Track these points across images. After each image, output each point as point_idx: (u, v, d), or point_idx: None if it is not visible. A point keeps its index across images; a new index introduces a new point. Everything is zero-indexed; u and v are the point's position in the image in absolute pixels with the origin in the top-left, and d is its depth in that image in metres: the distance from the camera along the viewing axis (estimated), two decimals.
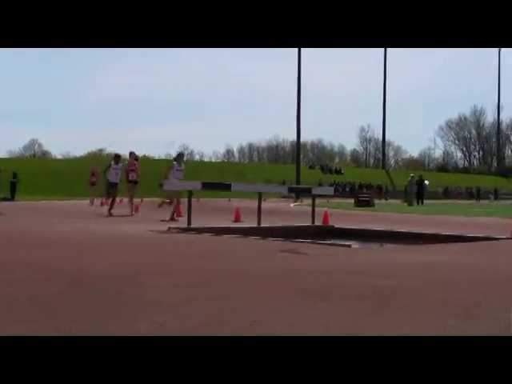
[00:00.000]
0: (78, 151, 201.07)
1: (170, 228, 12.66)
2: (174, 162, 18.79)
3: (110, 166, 21.57)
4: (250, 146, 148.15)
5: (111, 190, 21.13)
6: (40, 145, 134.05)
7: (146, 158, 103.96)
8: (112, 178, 21.22)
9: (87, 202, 30.61)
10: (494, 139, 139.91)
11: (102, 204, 29.41)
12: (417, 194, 42.91)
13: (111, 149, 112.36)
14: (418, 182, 43.60)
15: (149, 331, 3.67)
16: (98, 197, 32.07)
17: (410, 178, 44.07)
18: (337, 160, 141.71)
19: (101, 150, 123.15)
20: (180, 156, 19.39)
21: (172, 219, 16.88)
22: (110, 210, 20.09)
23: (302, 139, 78.64)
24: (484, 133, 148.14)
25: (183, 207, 17.15)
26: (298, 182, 68.40)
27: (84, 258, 7.86)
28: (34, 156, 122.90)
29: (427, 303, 4.86)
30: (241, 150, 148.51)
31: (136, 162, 22.19)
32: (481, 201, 69.57)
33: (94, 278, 6.03)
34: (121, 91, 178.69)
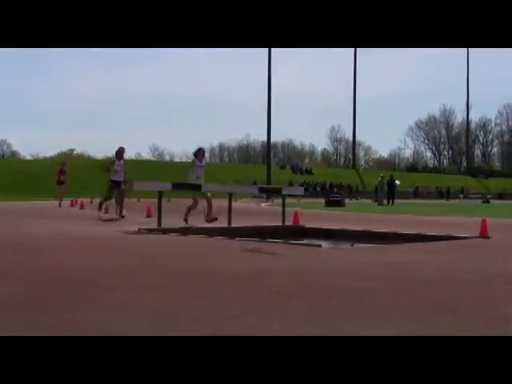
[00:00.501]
0: (48, 152, 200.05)
1: (139, 229, 12.59)
2: (194, 158, 16.91)
3: (113, 162, 19.59)
4: (221, 146, 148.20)
5: (115, 190, 19.24)
6: (9, 145, 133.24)
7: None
8: (115, 177, 19.24)
9: (56, 202, 30.21)
10: (463, 139, 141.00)
11: (71, 205, 29.23)
12: (387, 193, 43.12)
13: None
14: (388, 182, 43.81)
15: (113, 332, 3.64)
16: (65, 197, 31.82)
17: (380, 178, 44.30)
18: (307, 160, 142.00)
19: (71, 150, 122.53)
20: (200, 151, 17.04)
21: (213, 219, 15.51)
22: (104, 212, 18.87)
23: (272, 139, 78.70)
24: (453, 132, 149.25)
25: (154, 208, 16.88)
26: (268, 182, 68.46)
27: (48, 259, 7.79)
28: (3, 156, 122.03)
29: (397, 304, 4.87)
30: (211, 151, 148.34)
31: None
32: (450, 200, 69.98)
33: (56, 280, 5.97)
34: (92, 92, 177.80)
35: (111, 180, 19.25)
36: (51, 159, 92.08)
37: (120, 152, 19.83)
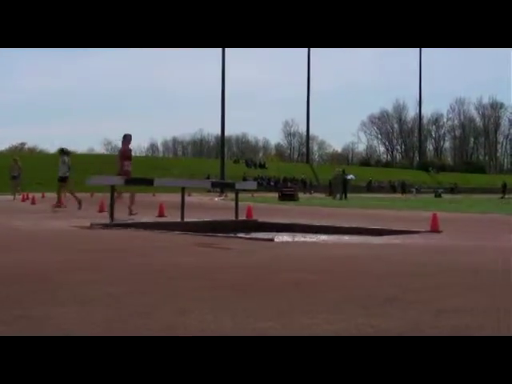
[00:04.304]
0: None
1: (92, 224, 12.49)
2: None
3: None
4: (175, 141, 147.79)
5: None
6: None
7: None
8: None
9: (11, 197, 30.15)
10: (415, 133, 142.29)
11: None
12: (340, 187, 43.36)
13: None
14: (341, 176, 44.06)
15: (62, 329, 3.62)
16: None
17: (335, 173, 44.46)
18: (261, 154, 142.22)
19: (22, 145, 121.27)
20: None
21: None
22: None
23: (226, 133, 78.97)
24: (406, 127, 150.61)
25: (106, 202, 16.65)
26: (222, 176, 68.46)
27: None
28: None
29: (349, 297, 4.90)
30: (165, 145, 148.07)
31: None
32: (406, 195, 70.25)
33: (5, 276, 5.91)
34: (43, 85, 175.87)
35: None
36: (1, 153, 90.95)
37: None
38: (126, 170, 16.89)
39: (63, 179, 20.91)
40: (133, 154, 17.78)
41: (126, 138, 17.56)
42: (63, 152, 21.80)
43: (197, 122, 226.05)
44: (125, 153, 17.44)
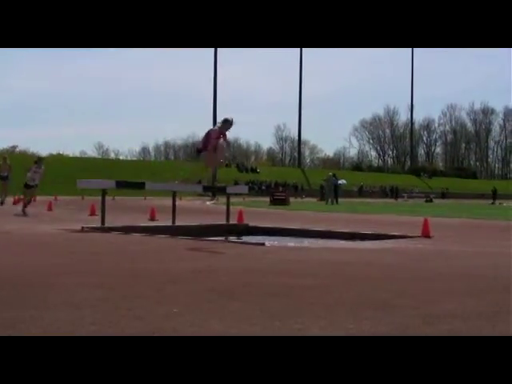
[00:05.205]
0: None
1: (83, 227, 12.47)
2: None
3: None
4: (166, 144, 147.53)
5: None
6: None
7: (60, 156, 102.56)
8: None
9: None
10: (407, 139, 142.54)
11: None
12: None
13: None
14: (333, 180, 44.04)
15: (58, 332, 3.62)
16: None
17: (327, 176, 44.46)
18: (253, 158, 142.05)
19: (14, 148, 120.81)
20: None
21: None
22: None
23: None
24: (398, 132, 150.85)
25: (97, 206, 16.63)
26: (213, 180, 68.43)
27: None
28: None
29: (339, 301, 4.91)
30: (157, 148, 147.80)
31: None
32: (398, 199, 70.29)
33: None
34: (35, 87, 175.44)
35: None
36: None
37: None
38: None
39: (32, 187, 21.81)
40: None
41: (227, 123, 12.31)
42: (41, 160, 22.60)
43: (188, 126, 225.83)
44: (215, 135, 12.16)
